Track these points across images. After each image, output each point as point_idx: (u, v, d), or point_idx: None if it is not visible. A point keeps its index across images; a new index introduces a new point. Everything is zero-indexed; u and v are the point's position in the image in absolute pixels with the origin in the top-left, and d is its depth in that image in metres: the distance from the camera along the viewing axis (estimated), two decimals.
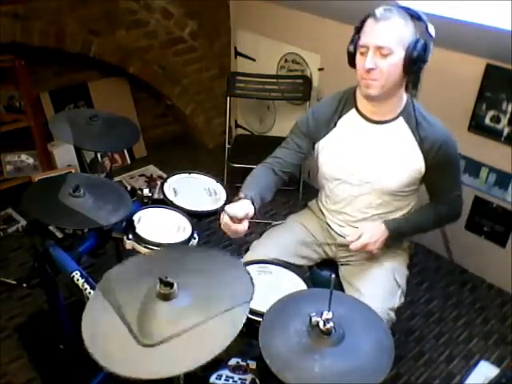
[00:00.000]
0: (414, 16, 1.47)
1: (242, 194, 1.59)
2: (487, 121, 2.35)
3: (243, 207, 1.52)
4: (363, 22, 1.51)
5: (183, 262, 1.28)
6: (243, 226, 1.51)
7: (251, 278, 1.18)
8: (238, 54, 3.56)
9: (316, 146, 1.73)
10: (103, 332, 1.08)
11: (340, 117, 1.68)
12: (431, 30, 1.47)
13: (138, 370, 0.99)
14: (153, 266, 1.27)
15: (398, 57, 1.47)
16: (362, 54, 1.51)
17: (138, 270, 1.26)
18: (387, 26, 1.45)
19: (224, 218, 1.51)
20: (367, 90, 1.54)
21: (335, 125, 1.68)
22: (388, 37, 1.45)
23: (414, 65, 1.48)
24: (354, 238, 1.61)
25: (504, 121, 2.29)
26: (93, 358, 0.98)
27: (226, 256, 1.35)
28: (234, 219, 1.50)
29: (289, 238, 1.81)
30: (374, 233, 1.62)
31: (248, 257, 1.73)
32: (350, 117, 1.66)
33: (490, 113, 2.32)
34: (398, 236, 1.69)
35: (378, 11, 1.46)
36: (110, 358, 1.01)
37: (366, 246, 1.60)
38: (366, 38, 1.49)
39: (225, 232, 1.54)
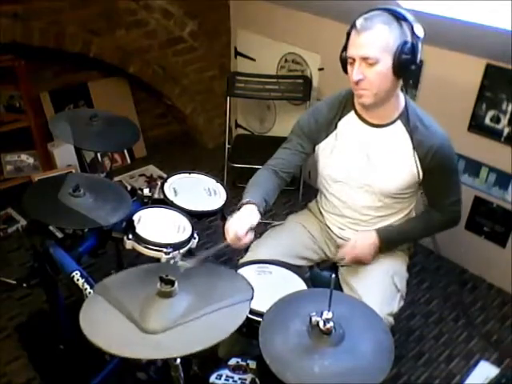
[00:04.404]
0: (400, 17, 1.45)
1: (246, 199, 1.59)
2: (487, 121, 2.34)
3: (245, 221, 1.52)
4: (352, 27, 1.50)
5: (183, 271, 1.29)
6: (248, 238, 1.53)
7: (249, 283, 1.19)
8: (237, 54, 3.56)
9: (316, 147, 1.73)
10: (103, 321, 1.09)
11: (340, 119, 1.68)
12: (417, 30, 1.44)
13: (136, 353, 1.00)
14: (151, 273, 1.27)
15: (385, 64, 1.45)
16: (350, 64, 1.50)
17: (137, 277, 1.26)
18: (369, 36, 1.43)
19: (228, 234, 1.51)
20: (360, 100, 1.55)
21: (335, 127, 1.68)
22: (371, 47, 1.43)
23: (403, 69, 1.46)
24: (346, 252, 1.66)
25: (504, 121, 2.29)
26: (90, 341, 0.99)
27: (224, 268, 1.37)
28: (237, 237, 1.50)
29: (288, 238, 1.81)
30: (364, 244, 1.66)
31: (248, 258, 1.73)
32: (350, 119, 1.66)
33: (490, 113, 2.32)
34: (389, 246, 1.71)
35: (359, 22, 1.44)
36: (110, 342, 1.02)
37: (358, 258, 1.65)
38: (350, 50, 1.48)
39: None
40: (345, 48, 1.53)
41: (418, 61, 1.47)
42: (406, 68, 1.47)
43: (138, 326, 1.04)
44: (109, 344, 1.00)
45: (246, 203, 1.58)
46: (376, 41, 1.43)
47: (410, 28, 1.44)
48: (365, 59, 1.45)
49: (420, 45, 1.46)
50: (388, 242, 1.68)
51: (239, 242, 1.51)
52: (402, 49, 1.43)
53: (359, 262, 1.68)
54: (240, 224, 1.51)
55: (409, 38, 1.44)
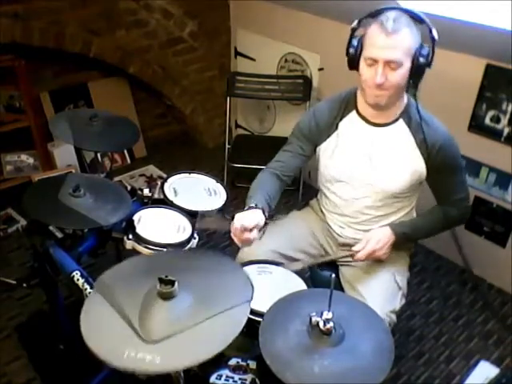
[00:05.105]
0: (417, 19, 1.44)
1: (251, 204, 1.58)
2: (487, 121, 2.34)
3: (253, 217, 1.51)
4: (359, 22, 1.49)
5: (182, 263, 1.28)
6: (253, 235, 1.50)
7: (249, 279, 1.18)
8: (237, 54, 3.56)
9: (317, 149, 1.73)
10: (103, 328, 1.09)
11: (341, 119, 1.67)
12: (435, 33, 1.44)
13: (138, 365, 0.99)
14: (151, 267, 1.27)
15: (406, 67, 1.45)
16: (369, 65, 1.48)
17: (137, 271, 1.26)
18: (398, 40, 1.41)
19: (234, 226, 1.49)
20: (376, 100, 1.53)
21: (336, 127, 1.68)
22: (399, 51, 1.42)
23: (420, 71, 1.47)
24: (361, 247, 1.59)
25: (504, 121, 2.29)
26: (93, 353, 0.98)
27: (224, 257, 1.36)
28: (244, 229, 1.48)
29: (290, 232, 1.82)
30: (380, 238, 1.60)
31: (248, 249, 1.73)
32: (351, 119, 1.66)
33: (490, 113, 2.32)
34: (404, 240, 1.68)
35: (389, 24, 1.40)
36: (111, 353, 1.01)
37: (374, 252, 1.58)
38: (375, 52, 1.44)
39: (232, 239, 1.53)
40: (350, 45, 1.51)
41: (432, 63, 1.47)
42: (423, 71, 1.47)
43: (138, 334, 1.03)
44: (111, 357, 0.99)
45: (253, 208, 1.56)
46: (403, 44, 1.42)
47: (427, 31, 1.44)
48: (389, 62, 1.43)
49: (435, 48, 1.46)
50: (403, 237, 1.65)
51: (243, 236, 1.48)
52: (420, 52, 1.44)
53: (374, 258, 1.63)
54: (248, 218, 1.49)
55: (423, 41, 1.44)
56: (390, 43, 1.41)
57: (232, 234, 1.51)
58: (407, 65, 1.45)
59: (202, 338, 1.04)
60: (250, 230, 1.49)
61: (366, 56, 1.47)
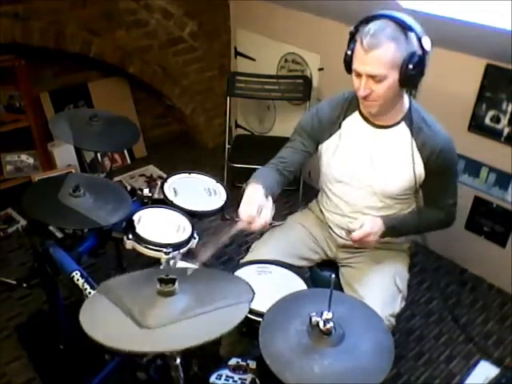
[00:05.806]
0: (406, 28, 1.41)
1: (248, 182, 1.55)
2: (487, 121, 2.34)
3: (252, 199, 1.46)
4: (357, 28, 1.48)
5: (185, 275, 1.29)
6: (264, 217, 1.44)
7: (251, 287, 1.19)
8: (237, 54, 3.56)
9: (319, 147, 1.73)
10: (102, 316, 1.10)
11: (344, 119, 1.67)
12: (425, 42, 1.42)
13: (134, 346, 1.00)
14: (154, 274, 1.27)
15: (393, 78, 1.44)
16: (356, 76, 1.49)
17: (139, 278, 1.26)
18: (376, 56, 1.41)
19: (242, 223, 1.44)
20: (367, 109, 1.56)
21: (339, 126, 1.68)
22: (379, 65, 1.42)
23: (410, 80, 1.46)
24: (357, 227, 1.57)
25: (504, 121, 2.29)
26: (91, 337, 0.99)
27: (225, 272, 1.38)
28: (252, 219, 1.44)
29: (289, 239, 1.82)
30: (373, 225, 1.59)
31: (248, 258, 1.74)
32: (354, 119, 1.66)
33: (490, 113, 2.32)
34: (392, 234, 1.68)
35: (365, 40, 1.40)
36: (110, 337, 1.02)
37: (367, 236, 1.56)
38: (357, 65, 1.47)
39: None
40: (349, 46, 1.51)
41: (424, 71, 1.45)
42: (413, 80, 1.46)
43: (135, 321, 1.04)
44: (106, 338, 1.00)
45: (249, 183, 1.54)
46: (383, 59, 1.41)
47: (417, 40, 1.42)
48: (372, 76, 1.44)
49: (427, 57, 1.44)
50: (392, 230, 1.64)
51: (254, 224, 1.43)
52: (408, 62, 1.41)
53: (363, 244, 1.61)
54: (248, 205, 1.46)
55: (415, 49, 1.42)
56: (369, 59, 1.42)
57: (247, 228, 1.45)
58: (393, 77, 1.44)
59: (199, 325, 1.05)
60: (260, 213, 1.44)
61: (353, 67, 1.49)
